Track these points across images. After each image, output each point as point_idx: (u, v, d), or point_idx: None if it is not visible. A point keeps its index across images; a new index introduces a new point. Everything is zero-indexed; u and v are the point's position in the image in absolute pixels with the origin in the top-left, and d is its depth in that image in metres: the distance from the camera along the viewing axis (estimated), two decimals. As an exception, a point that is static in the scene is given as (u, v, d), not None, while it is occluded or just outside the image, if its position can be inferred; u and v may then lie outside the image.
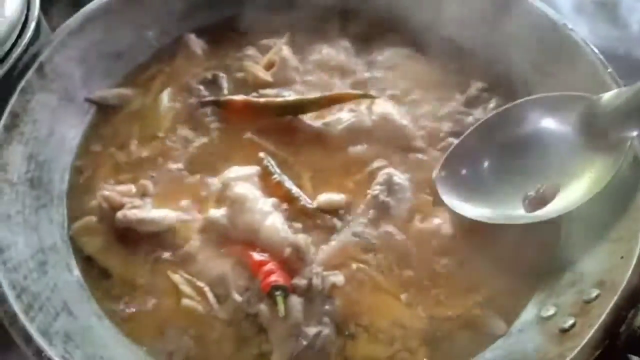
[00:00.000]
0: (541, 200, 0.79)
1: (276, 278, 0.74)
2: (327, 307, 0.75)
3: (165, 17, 1.04)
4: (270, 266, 0.76)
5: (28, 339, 0.65)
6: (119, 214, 0.80)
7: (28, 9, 0.88)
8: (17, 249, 0.74)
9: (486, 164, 0.85)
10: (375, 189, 0.85)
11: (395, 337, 0.75)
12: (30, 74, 0.85)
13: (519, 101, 0.86)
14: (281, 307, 0.72)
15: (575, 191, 0.78)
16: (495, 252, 0.81)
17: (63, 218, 0.84)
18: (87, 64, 0.94)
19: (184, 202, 0.85)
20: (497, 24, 1.00)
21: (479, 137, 0.86)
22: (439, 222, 0.83)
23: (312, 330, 0.73)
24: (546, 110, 0.84)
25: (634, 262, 0.68)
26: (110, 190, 0.84)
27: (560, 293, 0.75)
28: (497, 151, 0.85)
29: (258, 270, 0.76)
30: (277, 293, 0.73)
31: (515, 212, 0.80)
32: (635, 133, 0.74)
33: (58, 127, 0.89)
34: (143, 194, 0.85)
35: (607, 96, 0.78)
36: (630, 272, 0.67)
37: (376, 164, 0.90)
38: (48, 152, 0.86)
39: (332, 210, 0.84)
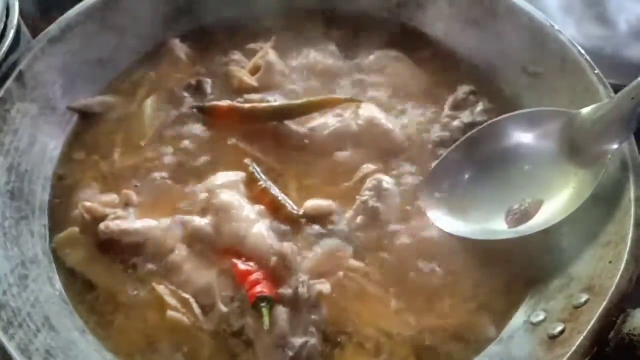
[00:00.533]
0: (524, 215, 0.80)
1: (261, 289, 0.73)
2: (313, 316, 0.74)
3: (149, 23, 1.03)
4: (255, 276, 0.75)
5: (7, 357, 0.63)
6: (102, 225, 0.78)
7: (7, 17, 0.86)
8: (-4, 263, 0.72)
9: (469, 179, 0.86)
10: (364, 195, 0.84)
11: (383, 345, 0.74)
12: (9, 82, 0.84)
13: (500, 117, 0.87)
14: (266, 319, 0.71)
15: (557, 205, 0.78)
16: (485, 258, 0.80)
17: (45, 230, 0.83)
18: (68, 71, 0.93)
19: (169, 211, 0.84)
20: (485, 26, 1.00)
21: (462, 153, 0.87)
22: (428, 228, 0.82)
23: (298, 341, 0.72)
24: (527, 126, 0.85)
25: (622, 266, 0.67)
26: (93, 201, 0.82)
27: (549, 298, 0.74)
28: (479, 167, 0.86)
29: (243, 280, 0.75)
30: (262, 304, 0.72)
31: (498, 227, 0.81)
32: (614, 146, 0.75)
33: (39, 136, 0.87)
34: (126, 203, 0.83)
35: (586, 111, 0.79)
36: (618, 276, 0.67)
37: (364, 169, 0.89)
38: (29, 162, 0.85)
39: (319, 217, 0.83)
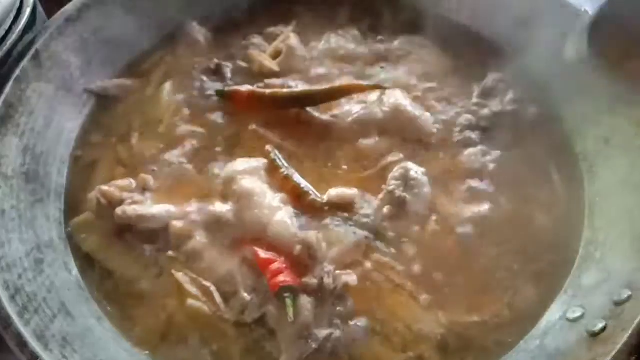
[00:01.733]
0: None
1: (284, 278, 0.70)
2: (338, 308, 0.71)
3: (167, 5, 1.00)
4: (278, 265, 0.72)
5: (23, 343, 0.61)
6: (118, 210, 0.76)
7: (23, -5, 0.84)
8: (11, 246, 0.70)
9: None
10: (391, 184, 0.80)
11: (409, 341, 0.71)
12: (25, 62, 0.82)
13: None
14: (290, 310, 0.68)
15: None
16: (516, 250, 0.78)
17: (60, 214, 0.80)
18: (85, 52, 0.90)
19: (187, 197, 0.81)
20: (516, 12, 0.96)
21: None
22: (458, 219, 0.79)
23: (322, 333, 0.69)
24: None
25: (667, 260, 0.64)
26: (109, 185, 0.79)
27: (586, 293, 0.71)
28: None
29: (265, 268, 0.72)
30: (286, 295, 0.69)
31: None
32: None
33: (55, 118, 0.85)
34: (143, 188, 0.81)
35: None
36: (663, 271, 0.63)
37: (389, 157, 0.85)
38: (45, 144, 0.82)
39: (344, 206, 0.80)
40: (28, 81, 0.81)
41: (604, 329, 0.63)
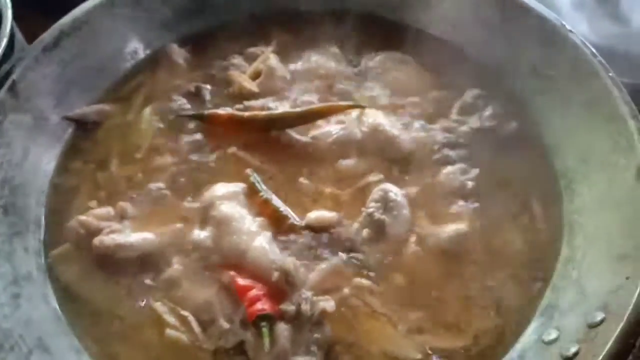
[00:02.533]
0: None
1: (262, 306, 0.70)
2: (316, 334, 0.71)
3: (145, 27, 1.00)
4: (255, 292, 0.73)
5: (-2, 382, 0.61)
6: (96, 240, 0.76)
7: (-1, 25, 0.84)
8: (-13, 282, 0.70)
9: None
10: (370, 206, 0.80)
11: (385, 367, 0.71)
12: (2, 93, 0.82)
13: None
14: (266, 340, 0.68)
15: None
16: (495, 269, 0.78)
17: (39, 244, 0.80)
18: (63, 80, 0.91)
19: (166, 224, 0.81)
20: (493, 27, 0.97)
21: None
22: (437, 241, 0.79)
23: (299, 360, 0.69)
24: None
25: (641, 283, 0.64)
26: (87, 215, 0.80)
27: (562, 315, 0.71)
28: None
29: (243, 296, 0.73)
30: (263, 324, 0.69)
31: None
32: None
33: (33, 148, 0.85)
34: (122, 216, 0.81)
35: None
36: (636, 294, 0.63)
37: (370, 178, 0.86)
38: (23, 175, 0.83)
39: (323, 229, 0.80)
40: (5, 113, 0.81)
41: (576, 354, 0.63)
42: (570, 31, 0.89)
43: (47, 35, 0.89)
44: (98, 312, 0.75)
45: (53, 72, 0.89)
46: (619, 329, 0.61)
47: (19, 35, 0.93)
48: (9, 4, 0.88)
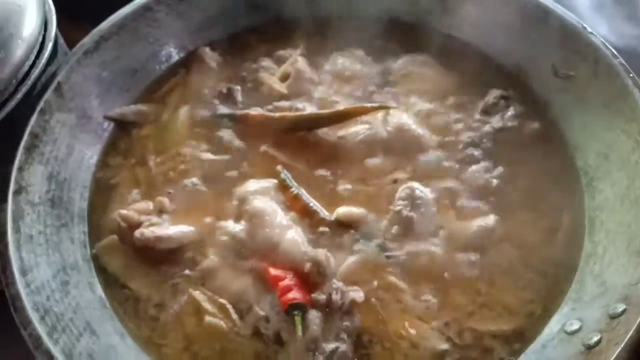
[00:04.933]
0: None
1: (294, 295, 0.74)
2: (345, 323, 0.74)
3: (179, 32, 1.05)
4: (287, 281, 0.76)
5: (52, 361, 0.66)
6: (137, 233, 0.80)
7: (45, 29, 0.89)
8: (39, 269, 0.75)
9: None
10: (398, 204, 0.83)
11: (413, 357, 0.74)
12: (48, 94, 0.86)
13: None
14: (299, 327, 0.72)
15: None
16: (520, 264, 0.81)
17: (84, 236, 0.85)
18: (103, 81, 0.95)
19: (202, 218, 0.85)
20: (514, 29, 0.99)
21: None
22: (465, 236, 0.82)
23: (329, 346, 0.73)
24: None
25: (661, 276, 0.66)
26: (128, 209, 0.84)
27: (585, 307, 0.74)
28: None
29: (276, 285, 0.76)
30: (295, 312, 0.73)
31: None
32: None
33: (77, 145, 0.90)
34: (160, 210, 0.85)
35: None
36: (657, 286, 0.66)
37: (395, 176, 0.89)
38: (67, 170, 0.87)
39: (352, 224, 0.84)
40: (51, 112, 0.86)
41: (598, 342, 0.65)
42: (591, 32, 0.91)
43: (88, 40, 0.94)
44: (141, 300, 0.79)
45: (94, 74, 0.94)
46: (639, 319, 0.63)
47: (61, 40, 0.98)
48: (54, 10, 0.93)
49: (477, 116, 0.96)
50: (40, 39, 0.87)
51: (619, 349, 0.62)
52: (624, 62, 0.86)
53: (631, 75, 0.85)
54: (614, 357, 0.62)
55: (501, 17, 1.00)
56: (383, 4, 1.08)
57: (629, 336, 0.62)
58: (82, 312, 0.75)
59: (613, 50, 0.88)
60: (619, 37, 1.19)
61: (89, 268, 0.81)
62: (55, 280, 0.76)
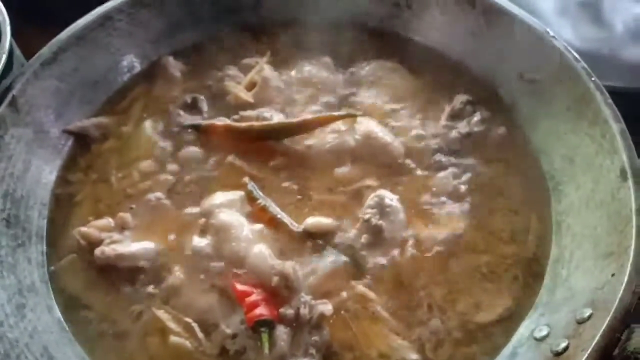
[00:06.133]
0: None
1: (260, 311, 0.72)
2: (314, 337, 0.73)
3: (141, 41, 1.02)
4: (254, 297, 0.74)
5: (5, 392, 0.63)
6: (97, 251, 0.78)
7: (-1, 42, 0.86)
8: (-7, 293, 0.72)
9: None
10: (367, 213, 0.82)
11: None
12: (2, 108, 0.83)
13: None
14: (265, 345, 0.70)
15: None
16: (489, 270, 0.81)
17: (42, 256, 0.82)
18: (62, 94, 0.92)
19: (166, 233, 0.83)
20: (480, 34, 1.00)
21: None
22: (433, 244, 0.82)
23: (298, 363, 0.71)
24: None
25: (626, 279, 0.67)
26: (88, 226, 0.81)
27: (553, 312, 0.74)
28: None
29: (242, 301, 0.74)
30: (262, 329, 0.71)
31: None
32: None
33: (34, 161, 0.87)
34: (122, 227, 0.83)
35: None
36: (622, 290, 0.66)
37: (364, 184, 0.88)
38: (24, 188, 0.84)
39: (321, 234, 0.82)
40: (6, 127, 0.83)
41: (566, 349, 0.65)
42: (554, 37, 0.91)
43: (46, 51, 0.91)
44: (102, 321, 0.76)
45: (52, 87, 0.91)
46: (605, 324, 0.64)
47: (17, 51, 0.94)
48: (8, 21, 0.90)
49: (444, 122, 0.96)
50: (-7, 51, 0.84)
51: (586, 355, 0.62)
52: (586, 66, 0.87)
53: (593, 79, 0.85)
54: (580, 364, 0.62)
55: (467, 22, 1.01)
56: (350, 10, 1.08)
57: (595, 342, 0.62)
58: (39, 337, 0.72)
59: (575, 55, 0.89)
60: (583, 41, 1.21)
61: (47, 289, 0.78)
62: (10, 304, 0.73)
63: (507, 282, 0.80)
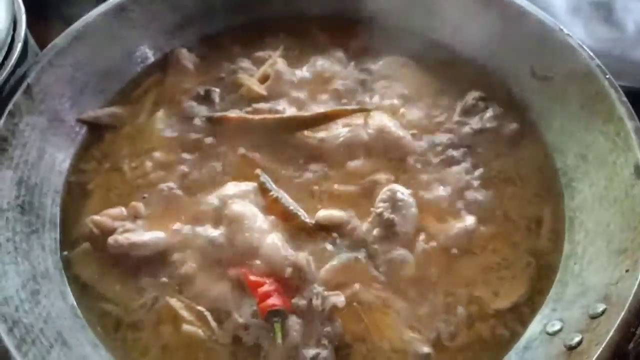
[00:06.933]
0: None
1: (273, 301, 0.72)
2: (326, 328, 0.73)
3: (156, 32, 1.03)
4: (266, 287, 0.74)
5: (22, 375, 0.63)
6: (110, 240, 0.78)
7: (14, 30, 0.86)
8: (7, 279, 0.72)
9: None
10: (379, 206, 0.82)
11: (395, 361, 0.73)
12: (17, 96, 0.83)
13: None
14: (278, 334, 0.70)
15: None
16: (501, 265, 0.81)
17: (55, 243, 0.82)
18: (76, 83, 0.93)
19: (179, 223, 0.83)
20: (494, 31, 0.99)
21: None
22: (445, 237, 0.81)
23: (309, 353, 0.71)
24: None
25: (640, 275, 0.67)
26: (101, 215, 0.82)
27: (565, 307, 0.74)
28: None
29: (255, 292, 0.74)
30: (275, 319, 0.71)
31: None
32: None
33: (48, 149, 0.87)
34: (135, 216, 0.83)
35: None
36: (636, 286, 0.66)
37: (376, 178, 0.88)
38: (38, 175, 0.84)
39: (333, 227, 0.82)
40: (20, 115, 0.83)
41: (580, 343, 0.65)
42: (568, 34, 0.91)
43: (60, 40, 0.91)
44: (115, 309, 0.77)
45: (66, 75, 0.91)
46: (619, 319, 0.64)
47: (31, 41, 0.95)
48: (24, 9, 0.90)
49: (457, 117, 0.96)
50: (9, 39, 0.84)
51: (601, 349, 0.62)
52: (600, 64, 0.87)
53: (607, 76, 0.85)
54: (595, 357, 0.62)
55: (480, 19, 1.01)
56: (362, 5, 1.07)
57: (609, 336, 0.63)
58: (53, 323, 0.72)
59: (590, 52, 0.89)
60: (595, 40, 1.20)
61: (60, 276, 0.79)
62: (25, 289, 0.73)
63: (520, 275, 0.80)
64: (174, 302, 0.75)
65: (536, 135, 0.94)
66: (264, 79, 1.00)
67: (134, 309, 0.76)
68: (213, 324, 0.73)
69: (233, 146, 0.92)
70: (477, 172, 0.89)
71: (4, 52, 0.82)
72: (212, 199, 0.85)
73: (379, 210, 0.83)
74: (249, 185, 0.86)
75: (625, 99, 0.83)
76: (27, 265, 0.76)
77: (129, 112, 0.96)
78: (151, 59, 1.03)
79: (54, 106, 0.89)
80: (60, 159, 0.88)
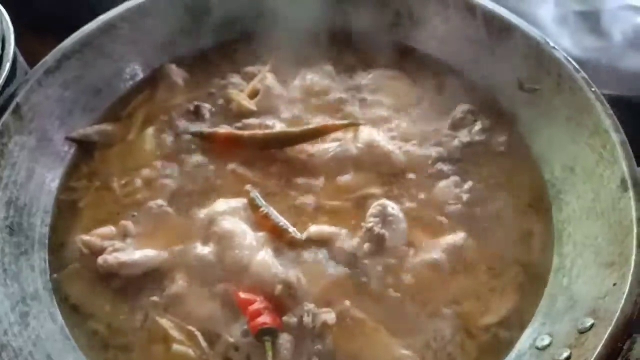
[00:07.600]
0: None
1: (264, 320, 0.72)
2: (317, 346, 0.73)
3: (145, 49, 1.03)
4: (257, 305, 0.74)
5: (10, 400, 0.63)
6: (100, 260, 0.78)
7: (2, 49, 0.86)
8: (-4, 302, 0.72)
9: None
10: (370, 221, 0.82)
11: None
12: (6, 116, 0.83)
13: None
14: (269, 353, 0.70)
15: None
16: (491, 278, 0.81)
17: (45, 264, 0.82)
18: (65, 101, 0.93)
19: (168, 241, 0.83)
20: (480, 44, 1.00)
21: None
22: (436, 252, 0.82)
23: (301, 371, 0.71)
24: None
25: (627, 289, 0.67)
26: (90, 234, 0.81)
27: (554, 320, 0.74)
28: None
29: (245, 310, 0.74)
30: (265, 337, 0.71)
31: None
32: None
33: (37, 168, 0.87)
34: (124, 235, 0.82)
35: None
36: (623, 300, 0.66)
37: (366, 192, 0.88)
38: (27, 195, 0.84)
39: (324, 242, 0.83)
40: (9, 135, 0.83)
41: (568, 358, 0.66)
42: (554, 47, 0.92)
43: (49, 58, 0.91)
44: (105, 330, 0.76)
45: (55, 94, 0.91)
46: (607, 334, 0.64)
47: (20, 59, 0.95)
48: (12, 29, 0.90)
49: (446, 131, 0.97)
50: (-4, 59, 0.84)
51: (589, 365, 0.62)
52: (586, 76, 0.88)
53: (593, 89, 0.86)
54: (583, 374, 0.62)
55: (467, 31, 1.02)
56: (351, 19, 1.08)
57: (597, 351, 0.63)
58: (42, 345, 0.72)
59: (575, 65, 0.90)
60: (582, 50, 1.21)
61: (50, 297, 0.78)
62: (14, 312, 0.72)
63: (509, 288, 0.80)
64: (164, 321, 0.75)
65: (524, 148, 0.94)
66: (253, 94, 1.01)
67: (124, 330, 0.76)
68: (203, 343, 0.73)
69: (223, 162, 0.92)
70: (467, 186, 0.90)
71: (-9, 73, 0.82)
72: (202, 216, 0.85)
73: (369, 225, 0.83)
74: (238, 202, 0.86)
75: (611, 111, 0.84)
76: (16, 287, 0.75)
77: (119, 130, 0.96)
78: (140, 75, 1.03)
79: (43, 125, 0.89)
80: (49, 178, 0.88)
